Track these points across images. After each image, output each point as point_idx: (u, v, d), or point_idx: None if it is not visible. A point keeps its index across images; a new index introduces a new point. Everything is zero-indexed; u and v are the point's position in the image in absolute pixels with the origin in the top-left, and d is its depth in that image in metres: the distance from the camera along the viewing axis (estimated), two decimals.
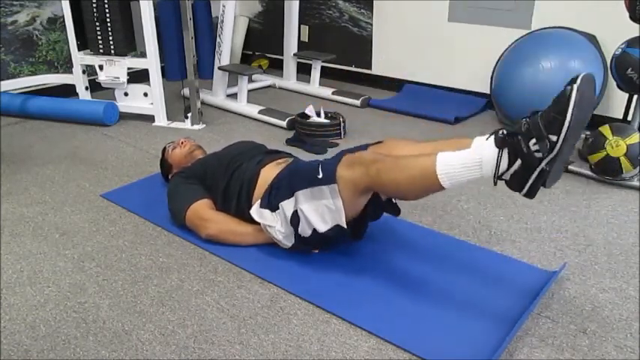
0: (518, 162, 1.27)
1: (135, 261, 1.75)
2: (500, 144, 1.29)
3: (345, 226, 1.56)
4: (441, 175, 1.35)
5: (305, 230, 1.62)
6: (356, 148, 1.79)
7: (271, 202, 1.69)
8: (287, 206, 1.63)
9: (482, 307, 1.50)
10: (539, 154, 1.25)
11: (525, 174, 1.28)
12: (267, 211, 1.70)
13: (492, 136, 1.32)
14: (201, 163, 2.02)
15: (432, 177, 1.36)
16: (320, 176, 1.55)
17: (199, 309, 1.51)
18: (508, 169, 1.29)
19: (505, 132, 1.29)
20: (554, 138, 1.23)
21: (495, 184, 1.32)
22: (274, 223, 1.68)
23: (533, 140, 1.25)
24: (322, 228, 1.58)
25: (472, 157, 1.33)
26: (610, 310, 1.50)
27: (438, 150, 1.45)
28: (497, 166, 1.29)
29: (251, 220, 1.77)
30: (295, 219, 1.62)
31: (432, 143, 1.66)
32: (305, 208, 1.59)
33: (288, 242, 1.70)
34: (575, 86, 1.21)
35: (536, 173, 1.27)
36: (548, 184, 1.30)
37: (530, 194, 1.31)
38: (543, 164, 1.25)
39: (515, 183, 1.31)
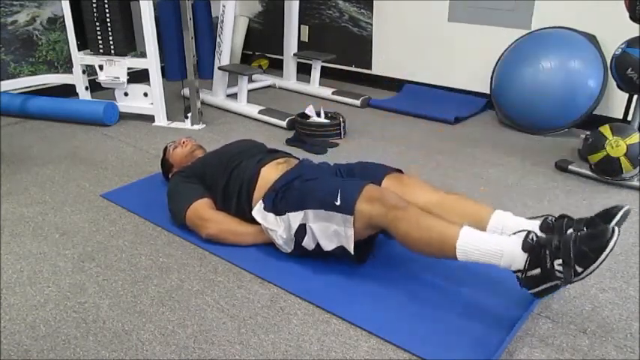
0: (537, 270, 1.28)
1: (135, 261, 1.75)
2: (527, 250, 1.29)
3: (353, 253, 1.56)
4: (460, 251, 1.36)
5: (308, 244, 1.62)
6: (374, 168, 1.80)
7: (277, 207, 1.68)
8: (294, 218, 1.62)
9: (482, 307, 1.50)
10: (560, 275, 1.25)
11: (540, 281, 1.29)
12: (270, 215, 1.69)
13: (522, 236, 1.31)
14: (201, 162, 2.02)
15: (450, 249, 1.37)
16: (338, 203, 1.53)
17: (199, 309, 1.51)
18: (525, 271, 1.30)
19: (534, 239, 1.30)
20: (579, 270, 1.23)
21: (521, 286, 1.33)
22: (277, 227, 1.68)
23: (559, 261, 1.25)
24: (328, 247, 1.59)
25: (495, 247, 1.33)
26: (610, 310, 1.50)
27: (457, 213, 1.51)
28: (525, 271, 1.30)
29: (251, 220, 1.77)
30: (301, 232, 1.62)
31: (451, 198, 1.65)
32: (314, 226, 1.58)
33: (287, 248, 1.70)
34: (617, 230, 1.21)
35: (550, 284, 1.28)
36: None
37: (539, 296, 1.33)
38: (559, 282, 1.27)
39: (528, 283, 1.32)
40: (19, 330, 1.43)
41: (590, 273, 1.22)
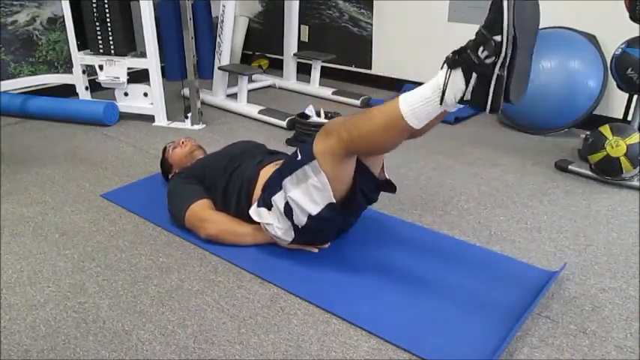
0: (474, 76, 1.25)
1: (135, 261, 1.75)
2: (453, 64, 1.27)
3: (334, 201, 1.56)
4: (407, 114, 1.34)
5: (300, 219, 1.61)
6: None
7: (266, 201, 1.69)
8: (279, 199, 1.64)
9: (482, 307, 1.50)
10: (489, 60, 1.22)
11: (484, 86, 1.25)
12: (264, 210, 1.70)
13: (444, 63, 1.30)
14: (201, 163, 2.02)
15: (399, 119, 1.36)
16: (299, 158, 1.57)
17: (199, 309, 1.51)
18: (467, 87, 1.27)
19: (454, 51, 1.28)
20: (498, 38, 1.20)
21: (458, 103, 1.30)
22: (272, 220, 1.68)
23: (481, 48, 1.23)
24: (314, 210, 1.58)
25: (430, 87, 1.32)
26: (610, 310, 1.50)
27: None
28: (467, 88, 1.26)
29: (251, 220, 1.77)
30: (288, 209, 1.62)
31: None
32: (294, 194, 1.59)
33: (288, 237, 1.69)
34: None
35: (493, 82, 1.24)
36: (513, 97, 1.26)
37: (494, 109, 1.27)
38: (497, 70, 1.23)
39: (478, 100, 1.27)
40: (19, 330, 1.43)
41: (508, 35, 1.19)
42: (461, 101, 1.30)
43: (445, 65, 1.30)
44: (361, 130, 1.45)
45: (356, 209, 1.74)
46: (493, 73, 1.24)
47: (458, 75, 1.28)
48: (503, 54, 1.21)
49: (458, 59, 1.27)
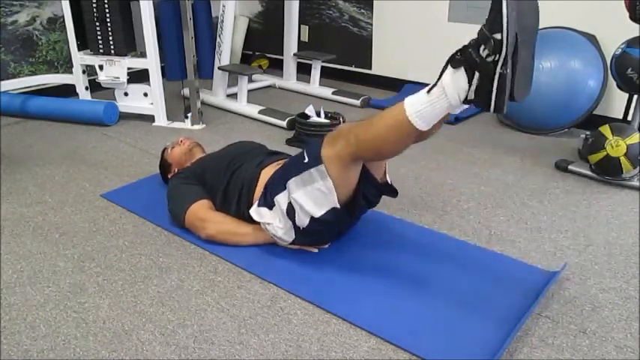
0: (477, 75, 1.26)
1: (135, 261, 1.75)
2: (455, 64, 1.28)
3: (338, 206, 1.56)
4: (412, 116, 1.35)
5: (302, 220, 1.61)
6: None
7: (267, 200, 1.69)
8: (281, 199, 1.64)
9: (482, 307, 1.50)
10: (491, 58, 1.23)
11: (487, 85, 1.26)
12: (265, 209, 1.70)
13: (447, 63, 1.31)
14: (201, 163, 2.02)
15: (405, 121, 1.36)
16: (306, 160, 1.56)
17: (199, 309, 1.51)
18: (470, 86, 1.28)
19: (457, 53, 1.29)
20: (498, 36, 1.22)
21: (462, 102, 1.30)
22: (273, 220, 1.68)
23: (482, 46, 1.24)
24: (317, 213, 1.58)
25: (435, 89, 1.33)
26: (610, 310, 1.50)
27: None
28: (470, 88, 1.27)
29: (251, 221, 1.77)
30: (291, 210, 1.62)
31: None
32: (298, 195, 1.58)
33: (288, 237, 1.69)
34: None
35: (496, 80, 1.25)
36: (517, 95, 1.27)
37: (499, 107, 1.27)
38: (499, 68, 1.24)
39: (481, 99, 1.28)
40: (19, 330, 1.43)
41: (508, 33, 1.20)
42: (466, 101, 1.31)
43: (448, 65, 1.31)
44: (368, 135, 1.45)
45: (358, 213, 1.75)
46: (495, 72, 1.24)
47: (461, 74, 1.28)
48: (504, 52, 1.22)
49: (460, 58, 1.28)
